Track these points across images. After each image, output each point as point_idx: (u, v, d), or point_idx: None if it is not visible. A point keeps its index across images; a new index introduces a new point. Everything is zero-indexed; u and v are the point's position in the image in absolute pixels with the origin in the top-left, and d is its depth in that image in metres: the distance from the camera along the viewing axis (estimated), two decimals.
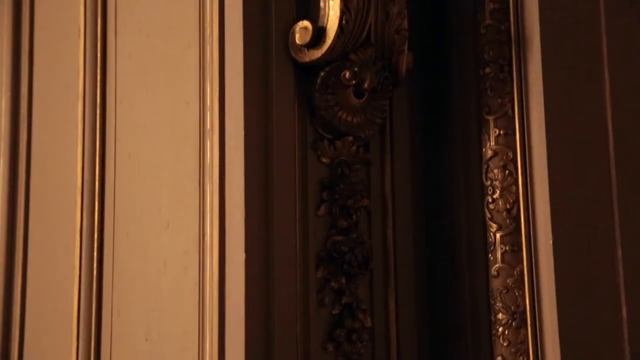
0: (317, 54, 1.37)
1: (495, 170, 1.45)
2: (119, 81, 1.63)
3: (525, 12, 1.44)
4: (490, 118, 1.46)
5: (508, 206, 1.43)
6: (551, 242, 1.37)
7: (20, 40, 1.90)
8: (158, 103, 1.55)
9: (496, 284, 1.43)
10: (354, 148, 1.43)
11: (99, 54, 1.67)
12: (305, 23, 1.37)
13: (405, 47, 1.44)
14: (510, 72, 1.45)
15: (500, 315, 1.42)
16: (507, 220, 1.43)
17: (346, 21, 1.36)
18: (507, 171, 1.44)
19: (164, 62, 1.54)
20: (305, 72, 1.39)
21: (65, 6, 1.77)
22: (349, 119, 1.41)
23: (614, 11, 1.50)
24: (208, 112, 1.40)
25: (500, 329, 1.42)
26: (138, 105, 1.60)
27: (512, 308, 1.41)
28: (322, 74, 1.38)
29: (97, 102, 1.67)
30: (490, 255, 1.44)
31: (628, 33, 1.53)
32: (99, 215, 1.65)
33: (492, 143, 1.45)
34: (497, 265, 1.43)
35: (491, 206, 1.45)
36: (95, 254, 1.64)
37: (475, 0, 1.49)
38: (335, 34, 1.36)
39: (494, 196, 1.45)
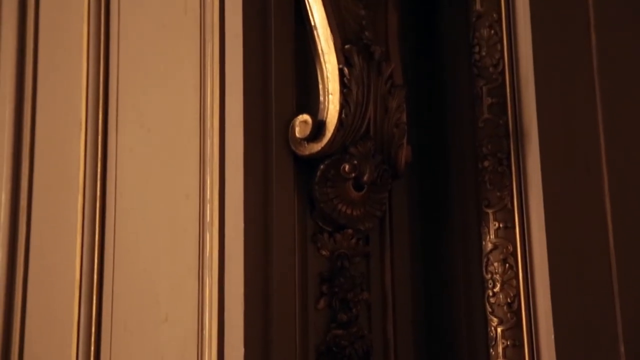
0: (317, 147, 1.38)
1: (496, 264, 1.44)
2: (119, 175, 1.64)
3: (522, 106, 1.46)
4: (490, 211, 1.46)
5: (509, 300, 1.42)
6: (553, 337, 1.35)
7: (22, 134, 1.91)
8: (158, 196, 1.55)
9: None
10: (353, 241, 1.43)
11: (99, 148, 1.68)
12: (305, 117, 1.38)
13: (405, 141, 1.45)
14: (509, 166, 1.46)
15: None
16: (508, 315, 1.42)
17: (346, 115, 1.38)
18: (507, 265, 1.43)
19: (165, 155, 1.55)
20: (305, 164, 1.40)
21: (67, 99, 1.79)
22: (349, 211, 1.41)
23: (611, 105, 1.52)
24: (208, 205, 1.41)
25: None
26: (138, 198, 1.60)
27: None
28: (321, 167, 1.39)
29: (97, 195, 1.67)
30: (491, 350, 1.42)
31: (625, 124, 1.54)
32: (96, 308, 1.63)
33: (492, 236, 1.45)
34: None
35: (492, 300, 1.44)
36: (92, 347, 1.62)
37: (473, 94, 1.51)
38: (335, 127, 1.37)
39: (495, 290, 1.44)
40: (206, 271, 1.39)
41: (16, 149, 1.91)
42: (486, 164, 1.47)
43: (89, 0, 1.75)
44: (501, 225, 1.45)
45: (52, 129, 1.87)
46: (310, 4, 1.40)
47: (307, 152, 1.39)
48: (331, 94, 1.38)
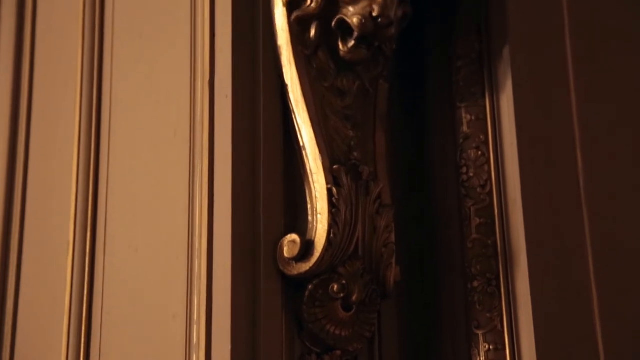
0: (305, 267, 1.37)
1: None
2: (105, 294, 1.62)
3: (511, 227, 1.46)
4: (480, 332, 1.45)
5: None
6: None
7: (8, 259, 1.90)
8: (145, 316, 1.53)
9: None
10: None
11: (87, 268, 1.67)
12: (294, 236, 1.38)
13: (393, 261, 1.45)
14: (499, 286, 1.45)
15: None
16: None
17: (334, 235, 1.38)
18: None
19: (152, 275, 1.54)
20: (293, 284, 1.39)
21: (56, 221, 1.79)
22: (337, 332, 1.39)
23: (600, 226, 1.53)
24: (195, 326, 1.39)
25: None
26: (125, 318, 1.58)
27: None
28: (310, 287, 1.38)
29: (83, 314, 1.65)
30: None
31: (614, 242, 1.55)
32: None
33: (482, 358, 1.44)
34: None
35: None
36: None
37: (462, 215, 1.52)
38: (323, 247, 1.37)
39: None
40: None
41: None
42: (475, 284, 1.47)
43: (80, 118, 1.77)
44: (491, 347, 1.43)
45: (40, 249, 1.86)
46: (299, 125, 1.42)
47: (295, 272, 1.38)
48: (320, 213, 1.39)
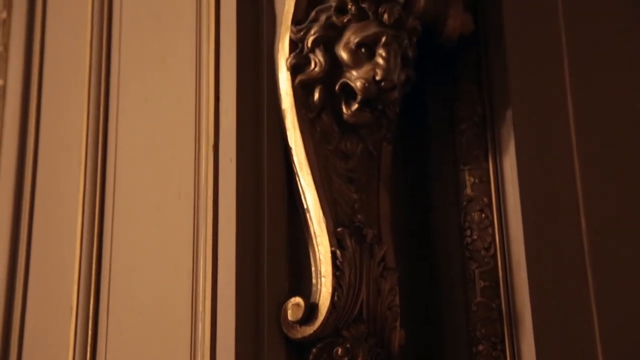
0: (309, 330, 1.37)
1: None
2: (109, 358, 1.62)
3: (515, 290, 1.46)
4: None
5: None
6: None
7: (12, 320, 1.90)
8: None
9: None
10: None
11: (89, 330, 1.66)
12: (298, 299, 1.37)
13: (397, 324, 1.44)
14: (504, 350, 1.44)
15: None
16: None
17: (338, 298, 1.37)
18: None
19: (155, 338, 1.53)
20: (297, 348, 1.38)
21: (59, 285, 1.78)
22: None
23: (604, 288, 1.52)
24: None
25: None
26: None
27: None
28: (314, 350, 1.37)
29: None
30: None
31: (617, 303, 1.54)
32: None
33: None
34: None
35: None
36: None
37: (466, 277, 1.51)
38: (328, 310, 1.36)
39: None
40: None
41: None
42: (480, 348, 1.46)
43: (84, 179, 1.78)
44: None
45: (43, 312, 1.86)
46: (303, 188, 1.43)
47: (299, 336, 1.37)
48: (324, 276, 1.38)
